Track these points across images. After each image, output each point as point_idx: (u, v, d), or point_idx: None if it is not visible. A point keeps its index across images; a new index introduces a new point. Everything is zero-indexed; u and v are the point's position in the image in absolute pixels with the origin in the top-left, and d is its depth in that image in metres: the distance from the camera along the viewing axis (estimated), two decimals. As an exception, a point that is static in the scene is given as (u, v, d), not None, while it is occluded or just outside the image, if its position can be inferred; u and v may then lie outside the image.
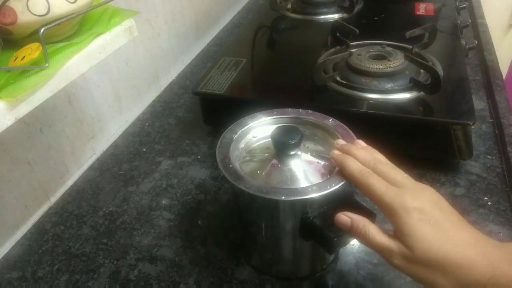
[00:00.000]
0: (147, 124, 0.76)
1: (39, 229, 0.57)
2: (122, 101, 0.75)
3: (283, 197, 0.38)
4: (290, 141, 0.42)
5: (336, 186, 0.39)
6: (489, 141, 0.64)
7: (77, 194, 0.62)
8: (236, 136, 0.46)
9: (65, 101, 0.63)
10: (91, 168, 0.67)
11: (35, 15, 0.37)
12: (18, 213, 0.57)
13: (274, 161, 0.44)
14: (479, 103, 0.72)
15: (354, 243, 0.50)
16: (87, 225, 0.57)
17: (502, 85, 0.75)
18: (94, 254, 0.53)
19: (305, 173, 0.43)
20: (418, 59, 0.62)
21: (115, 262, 0.51)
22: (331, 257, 0.49)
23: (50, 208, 0.61)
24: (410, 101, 0.60)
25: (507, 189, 0.56)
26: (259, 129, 0.49)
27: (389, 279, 0.46)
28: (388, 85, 0.62)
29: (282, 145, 0.43)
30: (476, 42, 0.88)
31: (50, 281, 0.50)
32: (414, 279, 0.34)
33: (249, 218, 0.46)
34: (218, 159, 0.43)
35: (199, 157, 0.67)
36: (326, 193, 0.39)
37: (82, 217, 0.58)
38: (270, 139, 0.44)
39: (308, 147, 0.45)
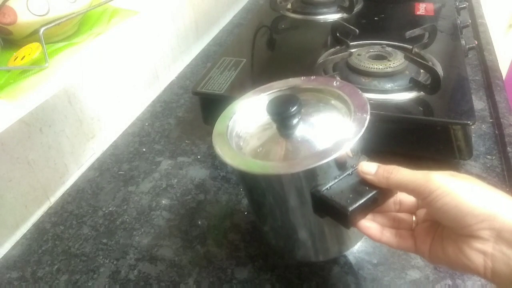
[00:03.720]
0: (147, 124, 0.76)
1: (39, 229, 0.57)
2: (122, 101, 0.75)
3: (283, 172, 0.35)
4: (287, 111, 0.38)
5: (340, 151, 0.35)
6: (489, 141, 0.64)
7: (77, 194, 0.62)
8: (233, 117, 0.43)
9: (65, 101, 0.63)
10: (91, 168, 0.67)
11: (35, 14, 0.37)
12: (18, 213, 0.57)
13: (275, 135, 0.40)
14: (479, 103, 0.72)
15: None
16: (87, 225, 0.57)
17: (502, 85, 0.75)
18: (94, 254, 0.53)
19: (310, 144, 0.39)
20: (418, 59, 0.62)
21: (115, 262, 0.51)
22: (355, 239, 0.45)
23: (50, 208, 0.61)
24: (410, 101, 0.60)
25: (507, 189, 0.56)
26: (259, 106, 0.45)
27: (389, 279, 0.46)
28: (388, 85, 0.62)
29: (280, 117, 0.39)
30: (476, 42, 0.88)
31: (50, 281, 0.50)
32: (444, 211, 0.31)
33: (256, 199, 0.43)
34: (213, 140, 0.40)
35: (199, 157, 0.67)
36: (332, 160, 0.34)
37: (82, 217, 0.58)
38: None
39: (312, 115, 0.42)
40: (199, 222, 0.56)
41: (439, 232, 0.34)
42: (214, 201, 0.59)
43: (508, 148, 0.61)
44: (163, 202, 0.59)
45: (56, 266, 0.52)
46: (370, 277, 0.47)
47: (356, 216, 0.35)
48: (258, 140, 0.42)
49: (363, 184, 0.36)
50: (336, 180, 0.36)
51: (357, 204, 0.34)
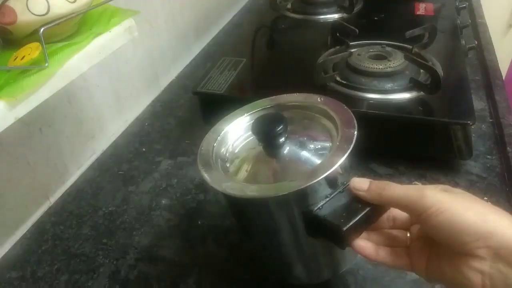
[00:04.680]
0: (146, 124, 0.76)
1: (38, 229, 0.57)
2: (122, 101, 0.75)
3: (272, 194, 0.34)
4: (273, 130, 0.37)
5: (330, 169, 0.34)
6: (489, 141, 0.64)
7: (76, 194, 0.62)
8: (217, 139, 0.43)
9: (65, 101, 0.63)
10: (91, 168, 0.67)
11: (35, 14, 0.37)
12: (17, 213, 0.57)
13: (261, 155, 0.40)
14: (479, 103, 0.72)
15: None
16: (86, 225, 0.57)
17: (502, 85, 0.75)
18: (93, 254, 0.53)
19: (299, 163, 0.38)
20: (418, 59, 0.62)
21: (115, 262, 0.51)
22: (349, 259, 0.44)
23: (50, 208, 0.61)
24: (410, 101, 0.60)
25: (507, 189, 0.56)
26: (244, 126, 0.45)
27: (389, 279, 0.46)
28: (388, 85, 0.61)
29: (266, 136, 0.38)
30: (476, 42, 0.88)
31: (50, 281, 0.50)
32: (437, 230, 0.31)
33: (246, 223, 0.43)
34: (198, 165, 0.39)
35: (199, 157, 0.67)
36: (323, 178, 0.33)
37: (81, 217, 0.58)
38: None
39: (298, 133, 0.41)
40: (199, 222, 0.56)
41: (435, 249, 0.33)
42: (214, 201, 0.59)
43: (508, 148, 0.61)
44: (163, 202, 0.59)
45: (56, 266, 0.52)
46: (370, 277, 0.47)
47: (351, 235, 0.34)
48: (244, 161, 0.41)
49: (356, 201, 0.35)
50: (327, 199, 0.35)
51: (351, 223, 0.33)
